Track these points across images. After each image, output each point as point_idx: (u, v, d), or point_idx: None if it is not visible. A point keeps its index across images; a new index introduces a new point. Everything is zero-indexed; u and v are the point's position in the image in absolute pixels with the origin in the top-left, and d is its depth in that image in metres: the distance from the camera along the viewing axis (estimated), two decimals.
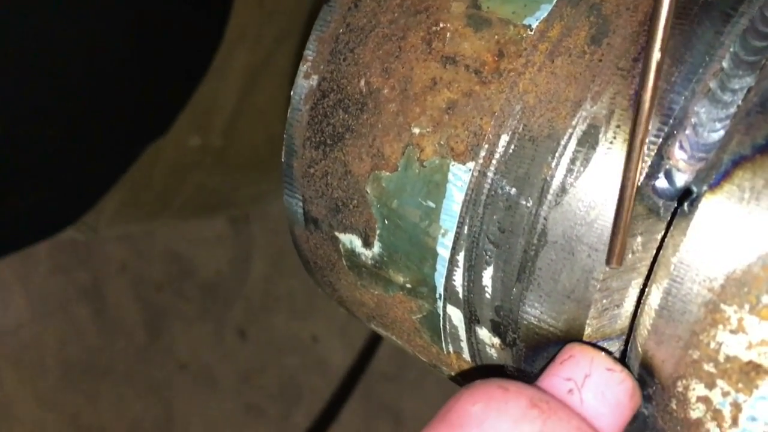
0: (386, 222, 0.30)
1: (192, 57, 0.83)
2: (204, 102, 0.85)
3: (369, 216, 0.30)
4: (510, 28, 0.27)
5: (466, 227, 0.28)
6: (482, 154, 0.27)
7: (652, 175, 0.25)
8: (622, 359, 0.26)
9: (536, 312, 0.27)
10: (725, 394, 0.23)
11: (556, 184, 0.26)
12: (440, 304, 0.30)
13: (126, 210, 0.91)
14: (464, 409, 0.24)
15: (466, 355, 0.31)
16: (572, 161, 0.25)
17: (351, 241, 0.31)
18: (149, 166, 0.86)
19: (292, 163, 0.32)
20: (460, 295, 0.29)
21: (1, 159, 0.71)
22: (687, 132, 0.24)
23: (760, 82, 0.24)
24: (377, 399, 1.25)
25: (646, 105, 0.23)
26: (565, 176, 0.25)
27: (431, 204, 0.28)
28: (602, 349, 0.26)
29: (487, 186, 0.27)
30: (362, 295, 0.33)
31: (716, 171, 0.24)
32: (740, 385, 0.23)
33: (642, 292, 0.25)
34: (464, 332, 0.30)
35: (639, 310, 0.25)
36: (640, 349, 0.25)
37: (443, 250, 0.28)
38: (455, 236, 0.28)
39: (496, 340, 0.29)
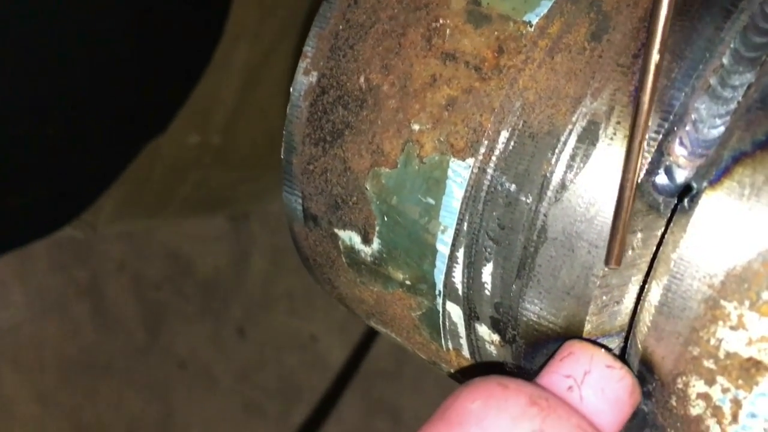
0: (386, 219, 0.30)
1: (191, 54, 0.83)
2: (203, 100, 0.85)
3: (368, 213, 0.30)
4: (510, 25, 0.27)
5: (465, 224, 0.28)
6: (482, 150, 0.27)
7: (652, 171, 0.25)
8: (622, 356, 0.26)
9: (536, 309, 0.27)
10: (725, 390, 0.23)
11: (556, 180, 0.26)
12: (440, 300, 0.30)
13: (125, 208, 0.91)
14: (463, 406, 0.24)
15: (466, 352, 0.31)
16: (572, 158, 0.25)
17: (350, 237, 0.31)
18: (148, 164, 0.86)
19: (292, 160, 0.32)
20: (460, 292, 0.29)
21: (0, 157, 0.71)
22: (687, 128, 0.24)
23: (760, 78, 0.24)
24: (376, 396, 1.25)
25: (646, 102, 0.23)
26: (565, 173, 0.25)
27: (431, 200, 0.28)
28: (602, 345, 0.26)
29: (486, 182, 0.27)
30: (361, 292, 0.33)
31: (716, 167, 0.24)
32: (740, 382, 0.23)
33: (642, 288, 0.25)
34: (464, 329, 0.30)
35: (639, 307, 0.25)
36: (639, 345, 0.25)
37: (443, 247, 0.28)
38: (455, 233, 0.28)
39: (496, 337, 0.29)
